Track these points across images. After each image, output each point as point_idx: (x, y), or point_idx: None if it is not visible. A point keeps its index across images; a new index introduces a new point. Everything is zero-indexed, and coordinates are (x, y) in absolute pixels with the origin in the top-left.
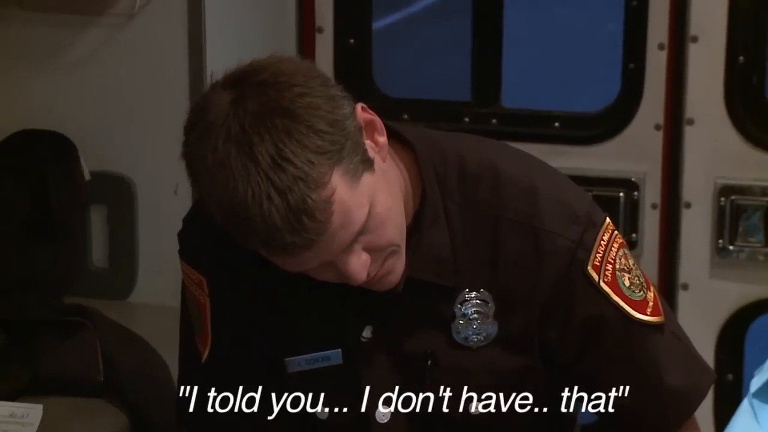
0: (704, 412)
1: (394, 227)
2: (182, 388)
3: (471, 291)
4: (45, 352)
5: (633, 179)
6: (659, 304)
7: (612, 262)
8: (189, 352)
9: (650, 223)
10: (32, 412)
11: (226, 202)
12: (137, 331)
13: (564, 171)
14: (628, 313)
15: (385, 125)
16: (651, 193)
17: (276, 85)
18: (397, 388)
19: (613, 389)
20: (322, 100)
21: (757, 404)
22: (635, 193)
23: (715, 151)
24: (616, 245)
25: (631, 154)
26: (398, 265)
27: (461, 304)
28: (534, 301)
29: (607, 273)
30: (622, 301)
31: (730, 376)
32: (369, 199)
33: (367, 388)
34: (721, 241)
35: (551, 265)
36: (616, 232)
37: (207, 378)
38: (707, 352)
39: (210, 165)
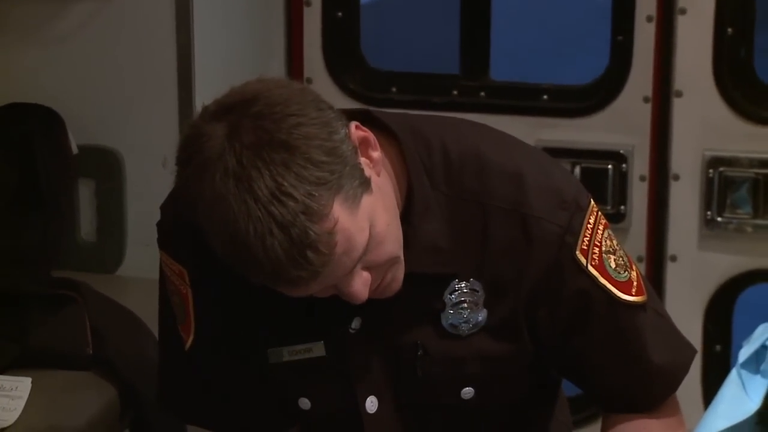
0: (692, 383)
1: (392, 241)
2: (164, 374)
3: (461, 281)
4: (33, 325)
5: (621, 151)
6: (642, 282)
7: (599, 244)
8: (170, 340)
9: (639, 195)
10: (21, 385)
11: (227, 238)
12: (126, 305)
13: (552, 144)
14: (615, 294)
15: (363, 114)
16: (639, 166)
17: (271, 116)
18: (386, 378)
19: (600, 368)
20: (317, 129)
21: (745, 375)
22: (624, 165)
23: (704, 123)
24: (601, 227)
25: (619, 126)
26: (399, 273)
27: (451, 293)
28: (523, 286)
29: (594, 256)
30: (609, 283)
31: (718, 347)
32: (369, 221)
33: (356, 379)
34: (709, 212)
35: (540, 251)
36: (599, 213)
37: (191, 365)
38: (695, 324)
39: (209, 201)
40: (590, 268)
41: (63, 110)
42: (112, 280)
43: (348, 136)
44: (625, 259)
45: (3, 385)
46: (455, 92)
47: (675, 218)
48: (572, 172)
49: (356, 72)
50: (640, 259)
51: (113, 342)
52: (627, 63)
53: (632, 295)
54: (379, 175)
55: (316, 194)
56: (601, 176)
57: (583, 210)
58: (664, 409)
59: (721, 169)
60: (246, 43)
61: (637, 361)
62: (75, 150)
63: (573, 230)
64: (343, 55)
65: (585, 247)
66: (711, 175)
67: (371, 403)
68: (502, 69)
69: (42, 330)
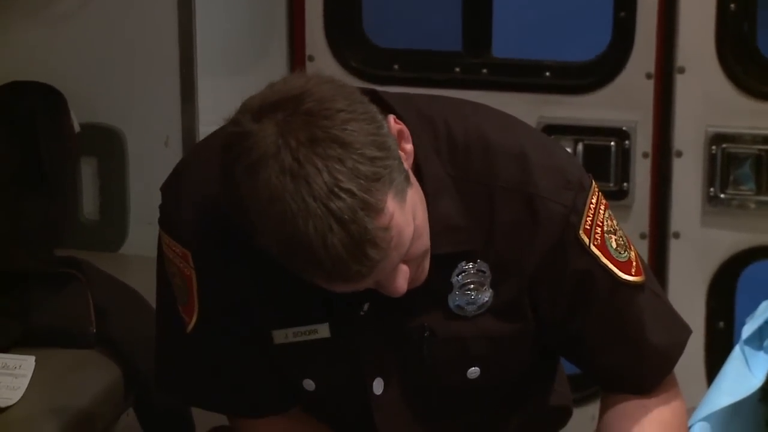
0: (696, 360)
1: (426, 234)
2: (163, 355)
3: (468, 262)
4: (37, 304)
5: (624, 128)
6: (640, 263)
7: (601, 224)
8: (170, 321)
9: (641, 172)
10: (25, 363)
11: (284, 237)
12: (129, 283)
13: (555, 121)
14: (615, 274)
15: (371, 94)
16: (642, 142)
17: (323, 113)
18: (392, 360)
19: (599, 347)
20: (366, 124)
21: (748, 351)
22: (626, 142)
23: (706, 100)
24: (602, 207)
25: (622, 103)
26: (427, 263)
27: (459, 275)
28: (527, 265)
29: (596, 236)
30: (610, 263)
31: (721, 324)
32: (412, 215)
33: (363, 360)
34: (712, 189)
35: (546, 230)
36: (600, 193)
37: (191, 346)
38: (699, 301)
39: (264, 200)
40: (593, 248)
41: (65, 88)
42: (115, 258)
43: (390, 128)
44: (625, 239)
45: (7, 364)
46: (457, 69)
47: (678, 195)
48: (575, 149)
49: (358, 50)
50: (643, 236)
51: (116, 320)
52: (629, 39)
53: (632, 275)
54: (410, 168)
55: (373, 189)
56: (604, 153)
57: (586, 190)
58: (663, 388)
59: (724, 145)
60: (248, 21)
61: (635, 341)
62: (77, 128)
63: (577, 210)
64: (345, 33)
65: (588, 227)
66: (714, 151)
67: (378, 385)
68: (504, 46)
69: (45, 309)
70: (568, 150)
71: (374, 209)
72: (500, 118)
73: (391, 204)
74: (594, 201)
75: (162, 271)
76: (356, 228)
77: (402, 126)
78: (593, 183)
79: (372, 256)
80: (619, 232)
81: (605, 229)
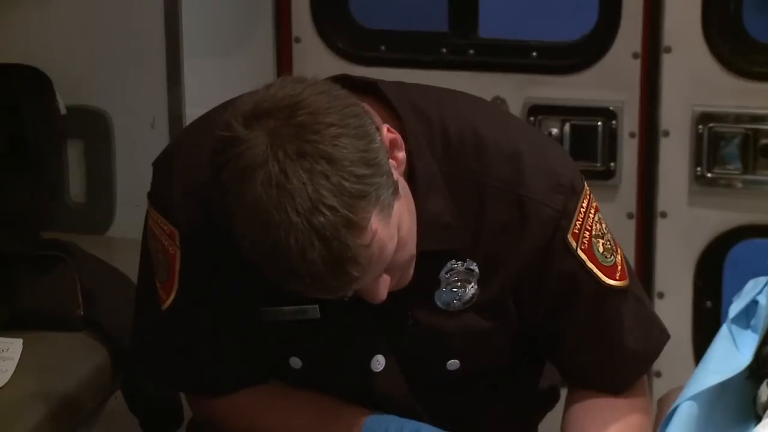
0: (683, 339)
1: (412, 242)
2: (138, 331)
3: (457, 260)
4: (23, 287)
5: (611, 108)
6: (625, 266)
7: (589, 229)
8: (148, 296)
9: (628, 151)
10: (12, 346)
11: (265, 247)
12: (116, 266)
13: (542, 101)
14: (600, 278)
15: (366, 84)
16: (629, 122)
17: (314, 126)
18: (384, 341)
19: (575, 348)
20: (357, 139)
21: (735, 330)
22: (613, 122)
23: (693, 79)
24: (593, 210)
25: (608, 83)
26: (412, 269)
27: (447, 272)
28: (513, 265)
29: (584, 240)
30: (596, 267)
31: (708, 303)
32: (397, 227)
33: (356, 340)
34: (699, 168)
35: (534, 232)
36: (591, 196)
37: (165, 325)
38: (686, 280)
39: (249, 208)
40: (579, 252)
41: (50, 70)
42: (102, 241)
43: (381, 140)
44: (612, 242)
45: None
46: (444, 50)
47: (665, 174)
48: (561, 129)
49: (345, 31)
50: (630, 216)
51: (104, 303)
52: (616, 19)
53: (616, 280)
54: (402, 175)
55: (357, 207)
56: (591, 133)
57: (577, 194)
58: (632, 390)
59: (711, 124)
60: (233, 3)
61: (611, 344)
62: (63, 110)
63: (567, 214)
64: (332, 14)
65: (576, 231)
66: (701, 130)
67: (377, 363)
68: (490, 26)
69: (32, 292)
70: (555, 131)
71: (357, 227)
72: (496, 116)
73: (375, 221)
74: (585, 205)
75: (146, 244)
76: (337, 245)
77: (395, 135)
78: (585, 186)
79: (351, 272)
80: (607, 236)
81: (593, 233)
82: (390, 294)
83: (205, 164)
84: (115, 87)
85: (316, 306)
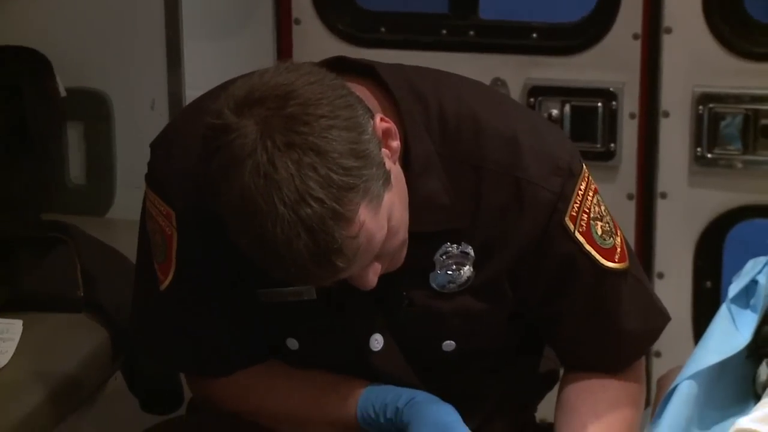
0: (683, 319)
1: (404, 228)
2: (138, 311)
3: (453, 243)
4: (24, 268)
5: (611, 89)
6: (625, 248)
7: (587, 211)
8: (146, 277)
9: (629, 132)
10: (12, 327)
11: (252, 236)
12: (116, 247)
13: (542, 82)
14: (598, 261)
15: (363, 66)
16: (629, 103)
17: (304, 118)
18: (383, 320)
19: (572, 329)
20: (347, 131)
21: (735, 309)
22: (614, 102)
23: (693, 60)
24: (591, 193)
25: (609, 63)
26: (404, 253)
27: (442, 255)
28: (510, 248)
29: (582, 223)
30: (594, 250)
31: (708, 283)
32: (387, 217)
33: (354, 320)
34: (699, 149)
35: (532, 215)
36: (590, 178)
37: (164, 305)
38: (686, 260)
39: (237, 196)
40: (577, 235)
41: (50, 53)
42: (102, 222)
43: (374, 130)
44: (611, 224)
45: None
46: (444, 32)
47: (665, 155)
48: (562, 110)
49: (345, 12)
50: (630, 197)
51: (104, 284)
52: (616, 0)
53: (615, 262)
54: (395, 164)
55: (344, 199)
56: (591, 114)
57: (575, 176)
58: (627, 373)
59: (711, 105)
60: None
61: (609, 327)
62: (63, 93)
63: (564, 197)
64: None
65: (574, 214)
66: (701, 111)
67: (376, 342)
68: (491, 7)
69: (33, 273)
70: (555, 112)
71: (344, 218)
72: (494, 99)
73: (363, 212)
74: (583, 187)
75: (144, 226)
76: (323, 237)
77: (389, 124)
78: (584, 168)
79: (337, 263)
80: (605, 218)
81: (592, 215)
82: (385, 275)
83: (201, 146)
84: (115, 69)
85: (312, 287)
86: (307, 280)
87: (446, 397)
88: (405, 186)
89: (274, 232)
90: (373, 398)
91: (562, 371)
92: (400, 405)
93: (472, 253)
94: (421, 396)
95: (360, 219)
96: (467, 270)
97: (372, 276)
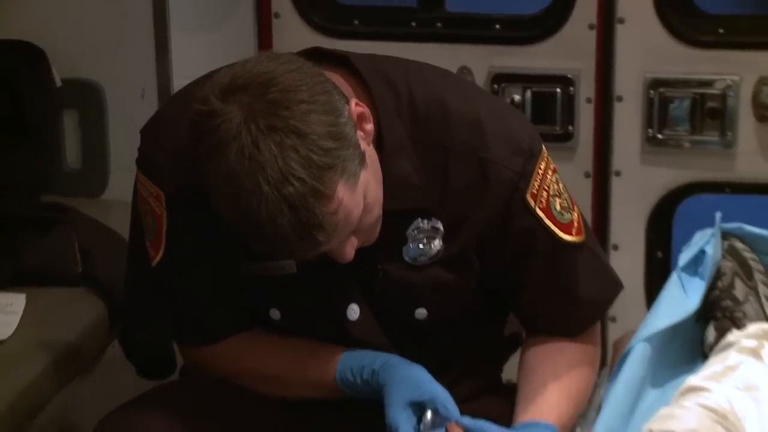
0: (636, 287)
1: (378, 205)
2: (131, 287)
3: (423, 218)
4: (26, 246)
5: (569, 76)
6: (581, 223)
7: (547, 189)
8: (138, 254)
9: (585, 116)
10: (16, 301)
11: (238, 213)
12: (110, 226)
13: (505, 70)
14: (557, 234)
15: (338, 57)
16: (586, 88)
17: (285, 103)
18: (359, 291)
19: (533, 297)
20: (325, 115)
21: (684, 277)
22: (571, 88)
23: (645, 48)
24: (550, 172)
25: (566, 52)
26: (378, 229)
27: (414, 230)
28: (476, 223)
29: (542, 199)
30: (553, 224)
31: (659, 254)
32: (363, 194)
33: (331, 292)
34: (650, 130)
35: (495, 193)
36: (549, 158)
37: (155, 280)
38: (639, 233)
39: (223, 177)
40: (537, 210)
41: (46, 45)
42: (97, 203)
43: (349, 114)
44: (569, 201)
45: None
46: (413, 24)
47: (619, 136)
48: (523, 96)
49: (321, 7)
50: (587, 175)
51: (100, 260)
52: None
53: (572, 236)
54: (369, 146)
55: (324, 178)
56: (551, 99)
57: (535, 156)
58: (584, 336)
59: (661, 90)
60: None
61: (566, 295)
62: (59, 83)
63: (526, 175)
64: None
65: (535, 191)
66: (652, 95)
67: (353, 312)
68: (456, 0)
69: (34, 250)
70: (517, 97)
71: (324, 196)
72: (460, 86)
73: (341, 190)
74: (542, 167)
75: (135, 207)
76: (305, 213)
77: (363, 108)
78: (543, 149)
79: (318, 237)
80: (564, 195)
81: (551, 192)
82: (361, 250)
83: (188, 132)
84: (108, 60)
85: (293, 262)
86: (290, 254)
87: (418, 361)
88: (379, 166)
89: (259, 209)
90: (350, 362)
91: (524, 335)
92: (376, 367)
93: (441, 227)
94: (395, 359)
95: (338, 196)
96: (437, 243)
97: (350, 249)
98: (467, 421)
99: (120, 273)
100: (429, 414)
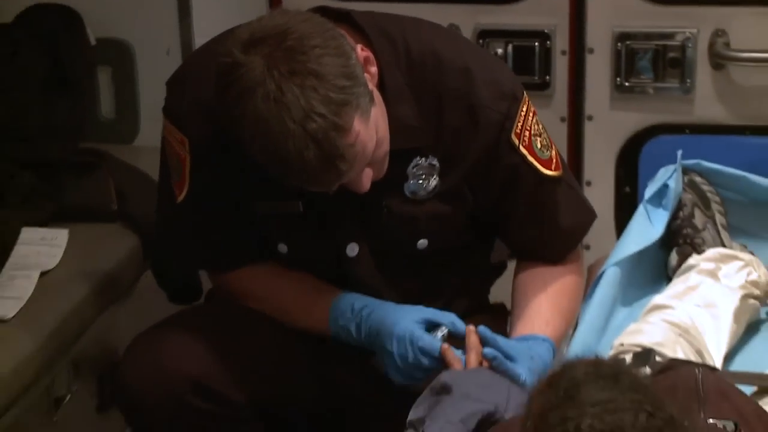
0: (607, 218)
1: (386, 141)
2: (160, 220)
3: (421, 157)
4: (67, 187)
5: (545, 31)
6: (559, 159)
7: (529, 129)
8: (166, 193)
9: (560, 66)
10: (59, 236)
11: (269, 151)
12: (141, 168)
13: (489, 26)
14: (538, 169)
15: (340, 14)
16: (560, 42)
17: (301, 48)
18: (360, 231)
19: (519, 226)
20: (338, 58)
21: (650, 208)
22: (548, 42)
23: (613, 5)
24: (531, 115)
25: (543, 10)
26: (386, 163)
27: (413, 167)
28: (468, 160)
29: (525, 138)
30: (535, 160)
31: (627, 189)
32: (375, 128)
33: (335, 230)
34: (618, 79)
35: (484, 133)
36: (530, 103)
37: (181, 212)
38: (609, 170)
39: (252, 120)
40: (521, 148)
41: (81, 8)
42: (129, 149)
43: (357, 57)
44: (548, 140)
45: (45, 236)
46: None
47: (590, 84)
48: (506, 49)
49: None
50: (562, 120)
51: (133, 199)
52: None
53: (551, 170)
54: (375, 87)
55: (342, 113)
56: (530, 52)
57: (518, 100)
58: (568, 259)
59: (628, 42)
60: None
61: (548, 223)
62: (93, 42)
63: (510, 117)
64: None
65: (518, 131)
66: (619, 48)
67: (352, 249)
68: None
69: (74, 191)
70: (500, 51)
71: (342, 129)
72: (451, 39)
73: (357, 124)
74: (524, 109)
75: (163, 151)
76: (328, 146)
77: (368, 53)
78: (524, 93)
79: (341, 167)
80: (543, 135)
81: (532, 132)
82: (368, 192)
83: (209, 83)
84: (136, 21)
85: (299, 202)
86: (316, 185)
87: (413, 292)
88: (384, 107)
89: (287, 146)
90: (342, 303)
91: (511, 263)
92: (366, 312)
93: (437, 164)
94: (374, 305)
95: (355, 129)
96: (434, 179)
97: (365, 180)
98: (483, 329)
99: (151, 210)
100: (446, 330)
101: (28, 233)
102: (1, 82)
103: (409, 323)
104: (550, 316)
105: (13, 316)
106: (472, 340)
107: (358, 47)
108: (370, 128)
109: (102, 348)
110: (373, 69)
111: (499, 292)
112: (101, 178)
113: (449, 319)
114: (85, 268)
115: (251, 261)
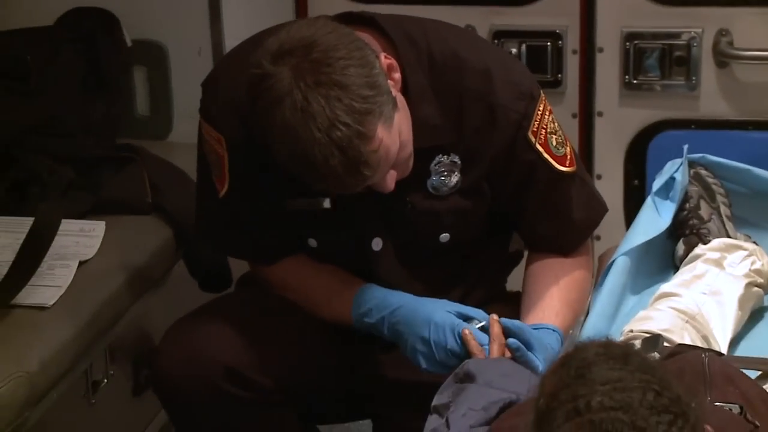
0: (617, 210)
1: (410, 143)
2: (201, 213)
3: (443, 154)
4: (104, 181)
5: (557, 31)
6: (573, 155)
7: (545, 127)
8: (206, 187)
9: (572, 65)
10: (97, 227)
11: (296, 158)
12: (174, 163)
13: (503, 27)
14: (554, 166)
15: (365, 18)
16: (572, 42)
17: (327, 61)
18: (384, 226)
19: (533, 220)
20: (361, 68)
21: (657, 200)
22: (559, 42)
23: (622, 6)
24: (547, 113)
25: (555, 11)
26: (411, 163)
27: (436, 164)
28: (487, 157)
29: (541, 136)
30: (551, 157)
31: (636, 182)
32: (398, 133)
33: (362, 225)
34: (627, 77)
35: (503, 131)
36: (546, 101)
37: (224, 207)
38: (618, 164)
39: (281, 128)
40: (537, 146)
41: (118, 11)
42: (164, 145)
43: (380, 66)
44: (563, 137)
45: (83, 228)
46: None
47: (600, 82)
48: (519, 49)
49: None
50: (574, 116)
51: (167, 192)
52: None
53: (566, 167)
54: (399, 90)
55: (365, 122)
56: (542, 52)
57: (535, 100)
58: (578, 251)
59: (636, 42)
60: None
61: (561, 217)
62: (129, 43)
63: (527, 116)
64: None
65: (535, 129)
66: (628, 47)
67: (376, 244)
68: None
69: (111, 184)
70: (514, 50)
71: (366, 137)
72: (470, 40)
73: (380, 131)
74: (541, 108)
75: (201, 148)
76: (352, 153)
77: (391, 60)
78: (541, 93)
79: (365, 172)
80: (559, 132)
81: (548, 130)
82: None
83: (241, 85)
84: (170, 23)
85: (328, 198)
86: (342, 189)
87: (434, 283)
88: (408, 110)
89: (314, 153)
90: (366, 293)
91: (525, 252)
92: (388, 312)
93: (459, 161)
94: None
95: (378, 136)
96: (456, 175)
97: (390, 181)
98: (505, 321)
99: (183, 203)
100: (481, 323)
101: (67, 225)
102: (43, 82)
103: (446, 314)
104: (560, 308)
105: (54, 304)
106: (495, 330)
107: (382, 55)
108: (393, 134)
109: (137, 334)
110: (397, 75)
111: (515, 280)
112: (136, 172)
113: (482, 315)
114: (121, 259)
115: (289, 254)
